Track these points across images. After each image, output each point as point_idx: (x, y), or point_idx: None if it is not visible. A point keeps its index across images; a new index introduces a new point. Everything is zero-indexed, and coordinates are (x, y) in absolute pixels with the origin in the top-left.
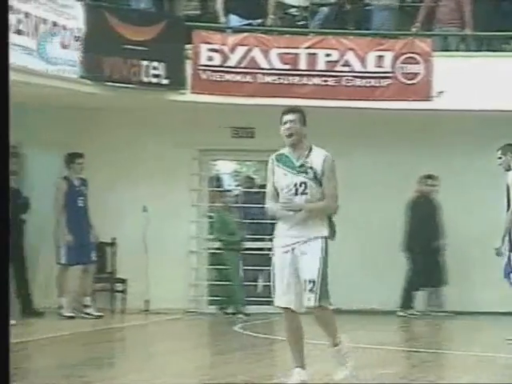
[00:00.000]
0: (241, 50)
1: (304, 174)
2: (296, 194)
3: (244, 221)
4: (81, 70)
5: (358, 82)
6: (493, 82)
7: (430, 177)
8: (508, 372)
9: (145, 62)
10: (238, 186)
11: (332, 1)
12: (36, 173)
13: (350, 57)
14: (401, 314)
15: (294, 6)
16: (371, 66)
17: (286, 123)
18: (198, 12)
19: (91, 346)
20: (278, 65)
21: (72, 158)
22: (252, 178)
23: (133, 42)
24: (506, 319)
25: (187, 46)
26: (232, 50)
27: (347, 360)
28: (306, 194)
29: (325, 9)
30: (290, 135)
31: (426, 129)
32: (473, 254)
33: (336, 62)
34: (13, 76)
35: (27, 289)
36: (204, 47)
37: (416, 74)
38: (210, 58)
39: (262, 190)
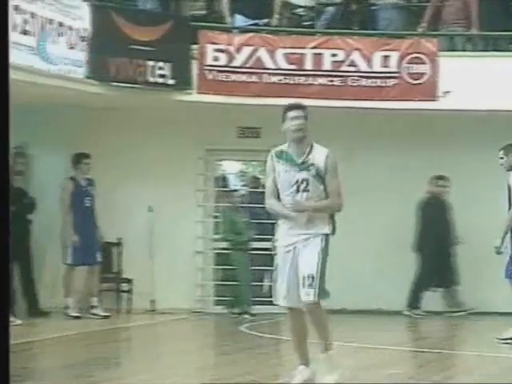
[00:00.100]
0: (247, 50)
1: (306, 171)
2: (297, 191)
3: (250, 221)
4: (87, 70)
5: (364, 81)
6: (499, 82)
7: (440, 177)
8: None
9: (151, 62)
10: (243, 186)
11: (338, 1)
12: (42, 173)
13: (356, 57)
14: (407, 313)
15: (300, 6)
16: (377, 66)
17: (294, 119)
18: (203, 12)
19: (97, 345)
20: (284, 65)
21: (79, 159)
22: (258, 178)
23: (139, 42)
24: None
25: (193, 46)
26: (238, 50)
27: (336, 368)
28: (308, 191)
29: (331, 9)
30: (299, 130)
31: (432, 128)
32: (485, 254)
33: (342, 61)
34: (19, 76)
35: (33, 289)
36: (210, 47)
37: (422, 74)
38: (216, 58)
39: None
